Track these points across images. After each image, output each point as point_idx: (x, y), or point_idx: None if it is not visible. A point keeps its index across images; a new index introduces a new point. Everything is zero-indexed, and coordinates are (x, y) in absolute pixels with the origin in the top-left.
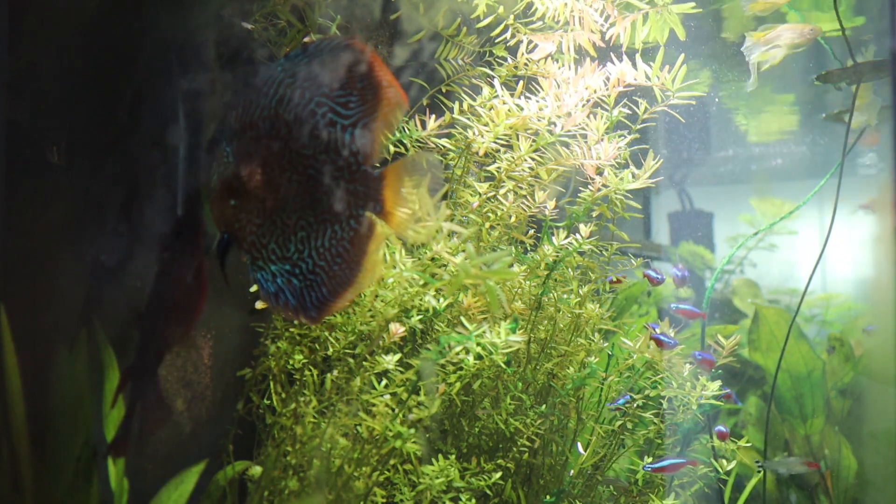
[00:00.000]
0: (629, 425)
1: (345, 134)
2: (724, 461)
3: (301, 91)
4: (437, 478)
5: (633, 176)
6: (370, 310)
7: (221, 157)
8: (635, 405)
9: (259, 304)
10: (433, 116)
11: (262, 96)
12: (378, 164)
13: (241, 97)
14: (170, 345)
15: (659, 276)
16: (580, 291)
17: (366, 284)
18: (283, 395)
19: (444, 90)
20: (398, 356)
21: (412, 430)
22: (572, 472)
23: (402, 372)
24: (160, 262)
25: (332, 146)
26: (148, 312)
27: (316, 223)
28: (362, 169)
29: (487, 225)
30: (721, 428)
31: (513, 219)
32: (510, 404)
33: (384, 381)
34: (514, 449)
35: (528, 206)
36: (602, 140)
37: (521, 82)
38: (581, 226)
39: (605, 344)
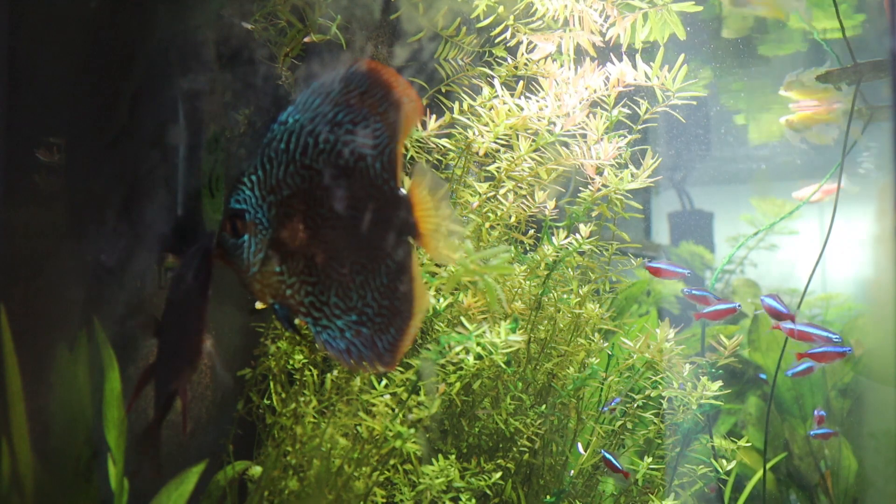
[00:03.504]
0: (629, 425)
1: (376, 163)
2: (724, 461)
3: (324, 135)
4: (437, 478)
5: (633, 176)
6: None
7: (253, 227)
8: (635, 405)
9: (259, 304)
10: (433, 116)
11: (282, 153)
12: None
13: (254, 160)
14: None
15: (684, 271)
16: (580, 291)
17: (424, 311)
18: (283, 395)
19: (443, 90)
20: None
21: (412, 430)
22: (572, 472)
23: (402, 372)
24: (177, 275)
25: (368, 180)
26: (168, 323)
27: (370, 263)
28: (396, 193)
29: (487, 225)
30: (821, 412)
31: (513, 219)
32: (510, 404)
33: (384, 381)
34: (514, 449)
35: (528, 206)
36: (602, 140)
37: (521, 82)
38: (581, 226)
39: (605, 344)
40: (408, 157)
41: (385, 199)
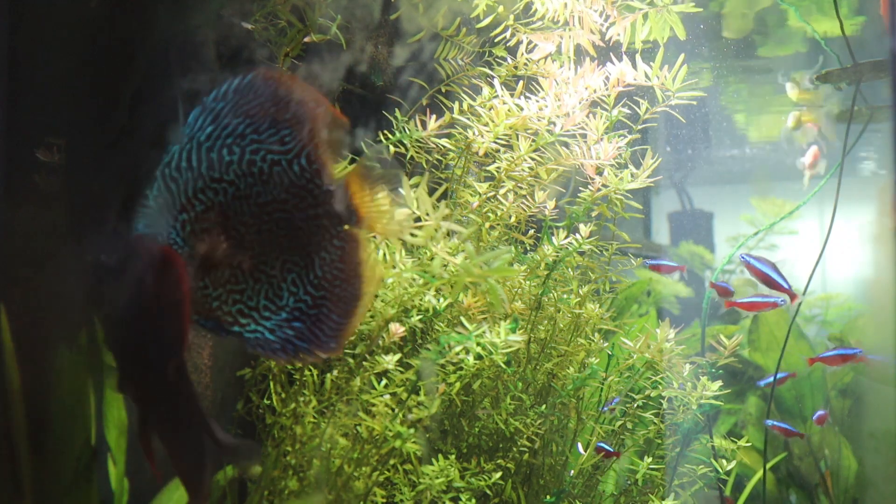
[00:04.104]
0: (629, 425)
1: (293, 167)
2: (724, 461)
3: (229, 147)
4: (437, 478)
5: (633, 176)
6: (370, 310)
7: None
8: (635, 405)
9: None
10: (433, 116)
11: (185, 170)
12: (337, 178)
13: (154, 183)
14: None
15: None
16: (580, 291)
17: (373, 291)
18: (283, 395)
19: (443, 90)
20: (398, 356)
21: (412, 430)
22: (572, 472)
23: (402, 372)
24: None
25: (288, 183)
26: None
27: (302, 259)
28: (324, 189)
29: (487, 225)
30: (821, 412)
31: (513, 219)
32: (510, 404)
33: (384, 381)
34: (514, 449)
35: (528, 206)
36: (602, 140)
37: (521, 82)
38: (581, 226)
39: (605, 344)
40: (408, 157)
41: (311, 197)
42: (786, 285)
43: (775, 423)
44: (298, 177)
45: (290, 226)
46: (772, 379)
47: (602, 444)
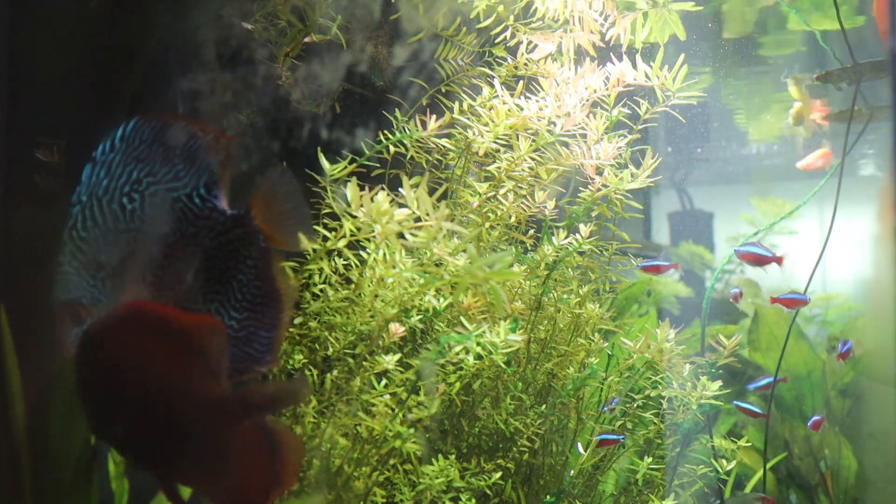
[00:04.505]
0: (629, 425)
1: (193, 199)
2: (724, 461)
3: (127, 196)
4: (437, 478)
5: (633, 176)
6: (370, 310)
7: (94, 308)
8: (635, 405)
9: None
10: (433, 116)
11: (92, 229)
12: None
13: (63, 247)
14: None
15: (669, 263)
16: (580, 291)
17: (292, 299)
18: None
19: (443, 90)
20: (398, 356)
21: (412, 430)
22: (572, 472)
23: (401, 372)
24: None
25: (192, 216)
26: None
27: (221, 287)
28: (229, 215)
29: (487, 225)
30: (816, 418)
31: (513, 219)
32: (510, 404)
33: (384, 381)
34: (514, 449)
35: (528, 206)
36: (602, 140)
37: (521, 82)
38: (581, 226)
39: (605, 344)
40: (408, 157)
41: (218, 225)
42: (769, 254)
43: (739, 403)
44: (201, 208)
45: (204, 257)
46: (761, 383)
47: (605, 436)
